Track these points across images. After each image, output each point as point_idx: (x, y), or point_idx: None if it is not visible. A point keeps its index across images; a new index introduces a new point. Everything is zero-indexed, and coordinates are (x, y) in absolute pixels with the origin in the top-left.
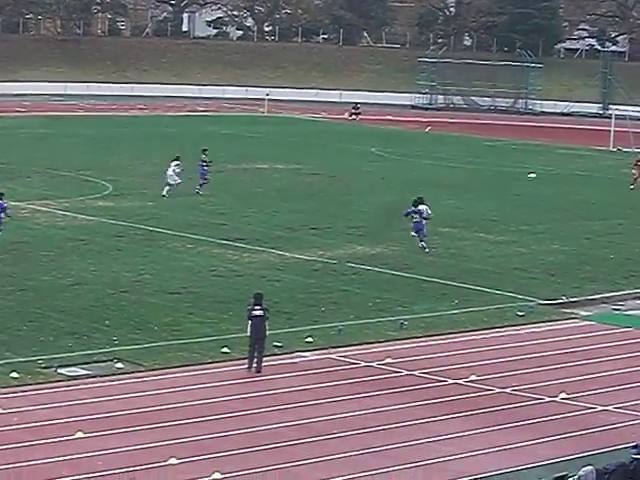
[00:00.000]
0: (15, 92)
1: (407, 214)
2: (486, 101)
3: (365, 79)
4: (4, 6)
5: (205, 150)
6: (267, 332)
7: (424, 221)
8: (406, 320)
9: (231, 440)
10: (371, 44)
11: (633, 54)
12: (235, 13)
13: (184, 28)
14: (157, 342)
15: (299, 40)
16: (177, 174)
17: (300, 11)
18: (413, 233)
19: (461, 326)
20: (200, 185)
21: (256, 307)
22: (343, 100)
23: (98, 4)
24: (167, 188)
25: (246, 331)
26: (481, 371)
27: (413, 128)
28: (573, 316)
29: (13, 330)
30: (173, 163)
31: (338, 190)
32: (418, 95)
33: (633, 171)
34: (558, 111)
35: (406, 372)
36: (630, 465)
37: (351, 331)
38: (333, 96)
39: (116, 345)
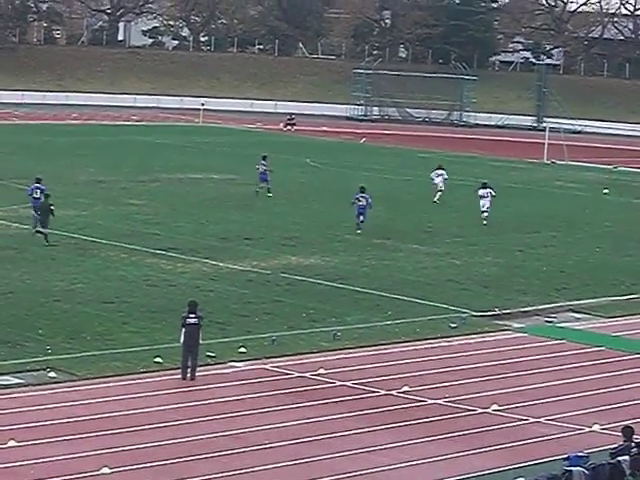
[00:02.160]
0: None
1: (353, 203)
2: (421, 113)
3: (300, 90)
4: None
5: (265, 157)
6: (201, 340)
7: (368, 207)
8: (339, 331)
9: (164, 450)
10: (306, 55)
11: (568, 67)
12: (171, 23)
13: (120, 37)
14: (90, 351)
15: (235, 50)
16: (444, 181)
17: (236, 21)
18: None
19: (394, 337)
20: (268, 189)
21: (191, 315)
22: (278, 111)
23: (34, 12)
24: (439, 194)
25: (180, 339)
26: (414, 382)
27: (348, 139)
28: (506, 328)
29: None
30: (440, 171)
31: (272, 201)
32: (353, 106)
33: None
34: (492, 123)
35: (339, 383)
36: (562, 477)
37: (285, 341)
38: (268, 107)
39: (49, 354)
